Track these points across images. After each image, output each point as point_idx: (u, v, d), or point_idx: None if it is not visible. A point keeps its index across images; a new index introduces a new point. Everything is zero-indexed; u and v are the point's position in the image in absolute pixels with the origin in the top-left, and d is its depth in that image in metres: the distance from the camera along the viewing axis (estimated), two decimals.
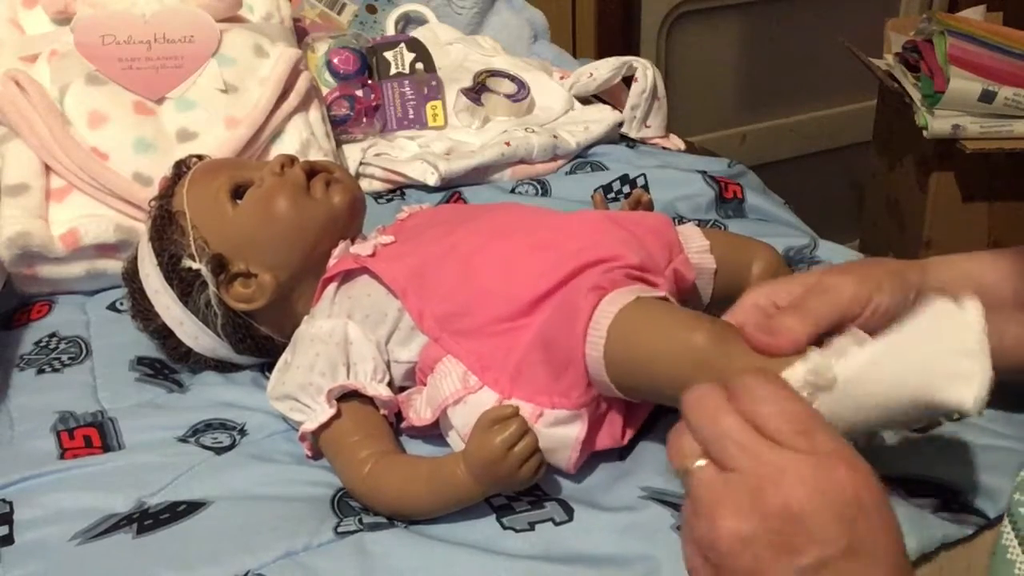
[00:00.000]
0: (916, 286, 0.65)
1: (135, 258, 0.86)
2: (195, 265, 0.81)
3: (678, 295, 0.77)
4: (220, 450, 0.78)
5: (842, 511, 0.47)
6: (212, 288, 0.81)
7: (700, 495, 0.50)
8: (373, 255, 0.79)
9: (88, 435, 0.80)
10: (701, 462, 0.51)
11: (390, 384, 0.77)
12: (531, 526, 0.67)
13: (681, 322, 0.64)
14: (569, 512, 0.68)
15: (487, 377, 0.71)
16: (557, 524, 0.67)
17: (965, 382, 0.53)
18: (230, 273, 0.81)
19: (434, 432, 0.74)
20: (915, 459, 0.69)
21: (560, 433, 0.68)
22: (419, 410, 0.74)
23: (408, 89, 1.28)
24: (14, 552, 0.68)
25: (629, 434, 0.72)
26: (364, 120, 1.24)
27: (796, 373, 0.57)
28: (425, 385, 0.75)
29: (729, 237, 0.91)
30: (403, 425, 0.76)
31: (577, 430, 0.69)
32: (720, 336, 0.62)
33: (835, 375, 0.56)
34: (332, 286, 0.79)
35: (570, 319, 0.67)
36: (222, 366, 0.87)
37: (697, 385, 0.53)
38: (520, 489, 0.69)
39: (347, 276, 0.79)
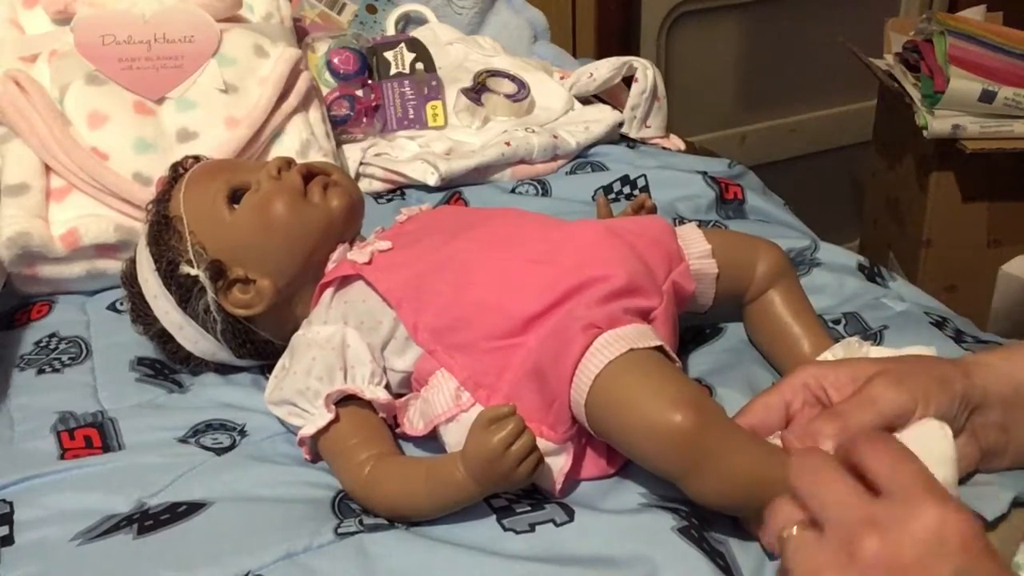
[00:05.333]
0: (960, 395, 0.65)
1: (133, 262, 0.86)
2: (193, 271, 0.80)
3: (677, 305, 0.77)
4: (220, 451, 0.77)
5: (952, 560, 0.47)
6: (211, 294, 0.81)
7: (797, 560, 0.50)
8: (370, 262, 0.78)
9: (88, 435, 0.79)
10: (794, 529, 0.52)
11: (387, 387, 0.77)
12: (531, 527, 0.67)
13: (667, 396, 0.63)
14: (570, 513, 0.68)
15: (480, 395, 0.71)
16: (558, 525, 0.67)
17: None
18: (228, 279, 0.80)
19: (431, 435, 0.74)
20: None
21: (545, 462, 0.68)
22: (412, 420, 0.74)
23: (408, 89, 1.28)
24: (14, 552, 0.68)
25: (619, 463, 0.71)
26: (364, 120, 1.24)
27: None
28: (420, 392, 0.74)
29: (732, 237, 0.91)
30: (397, 431, 0.76)
31: (562, 462, 0.69)
32: (704, 419, 0.62)
33: None
34: (329, 291, 0.79)
35: (561, 355, 0.67)
36: (223, 368, 0.87)
37: (808, 452, 0.56)
38: (518, 488, 0.69)
39: (344, 281, 0.79)
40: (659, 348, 0.68)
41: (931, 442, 0.61)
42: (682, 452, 0.61)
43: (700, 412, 0.62)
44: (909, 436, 0.61)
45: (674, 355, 0.69)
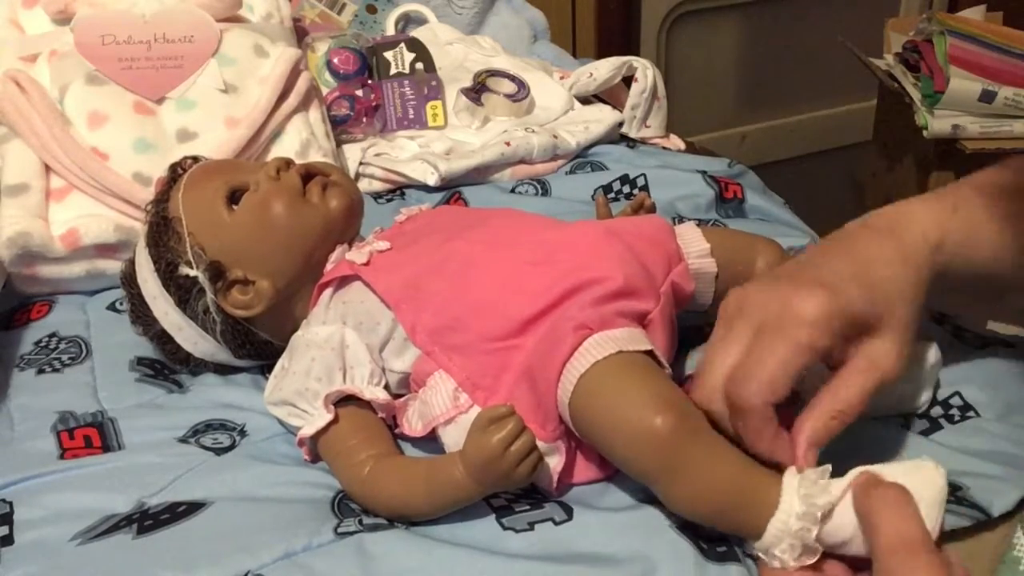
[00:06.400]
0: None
1: (132, 263, 0.86)
2: (192, 272, 0.80)
3: (676, 305, 0.77)
4: (220, 451, 0.77)
5: None
6: (210, 295, 0.81)
7: None
8: (368, 263, 0.78)
9: (88, 435, 0.79)
10: None
11: (386, 388, 0.77)
12: (531, 526, 0.67)
13: (649, 399, 0.62)
14: (568, 512, 0.68)
15: (477, 396, 0.70)
16: (557, 524, 0.67)
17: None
18: (228, 280, 0.80)
19: (430, 436, 0.74)
20: (915, 453, 0.69)
21: (544, 461, 0.68)
22: (411, 421, 0.74)
23: (408, 89, 1.28)
24: (14, 552, 0.68)
25: (612, 467, 0.71)
26: (364, 120, 1.24)
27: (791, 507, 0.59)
28: (418, 393, 0.74)
29: (731, 235, 0.91)
30: (396, 431, 0.76)
31: (555, 461, 0.69)
32: (685, 425, 0.61)
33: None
34: (327, 291, 0.79)
35: (550, 355, 0.67)
36: (222, 368, 0.87)
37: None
38: (518, 487, 0.69)
39: (342, 282, 0.79)
40: (649, 353, 0.67)
41: (924, 486, 0.60)
42: (659, 455, 0.61)
43: (681, 417, 0.61)
44: (900, 475, 0.60)
45: (664, 361, 0.69)
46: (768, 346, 0.61)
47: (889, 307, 0.63)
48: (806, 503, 0.59)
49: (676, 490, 0.62)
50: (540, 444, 0.67)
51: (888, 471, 0.60)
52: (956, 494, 0.67)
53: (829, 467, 0.61)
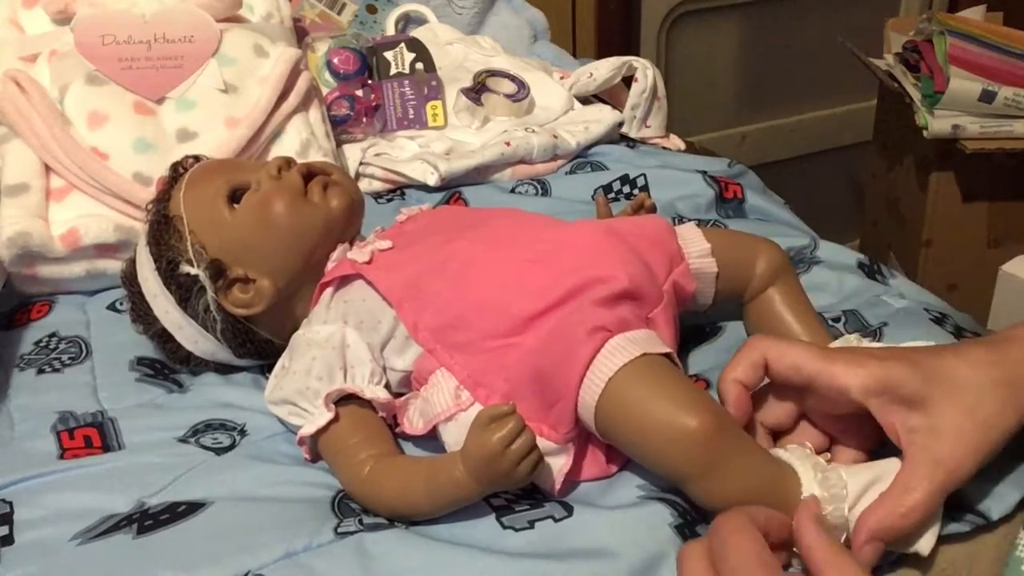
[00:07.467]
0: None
1: (133, 262, 0.86)
2: (193, 271, 0.80)
3: (677, 305, 0.77)
4: (220, 450, 0.77)
5: None
6: (210, 294, 0.81)
7: None
8: (370, 262, 0.78)
9: (88, 435, 0.79)
10: None
11: (387, 387, 0.77)
12: (531, 524, 0.67)
13: (682, 402, 0.64)
14: (568, 510, 0.68)
15: (479, 394, 0.71)
16: (557, 521, 0.67)
17: (926, 538, 0.62)
18: (228, 278, 0.80)
19: (431, 435, 0.74)
20: None
21: (545, 462, 0.68)
22: (412, 420, 0.74)
23: (408, 89, 1.28)
24: (14, 552, 0.68)
25: (619, 462, 0.71)
26: (364, 120, 1.24)
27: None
28: (419, 391, 0.74)
29: (732, 236, 0.91)
30: (396, 431, 0.76)
31: (562, 462, 0.69)
32: (718, 427, 0.63)
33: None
34: (329, 291, 0.79)
35: (568, 357, 0.67)
36: (223, 368, 0.87)
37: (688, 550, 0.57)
38: (518, 486, 0.69)
39: (343, 281, 0.79)
40: (667, 355, 0.68)
41: None
42: (698, 455, 0.62)
43: (714, 418, 0.63)
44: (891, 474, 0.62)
45: (679, 363, 0.70)
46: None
47: (944, 389, 0.62)
48: (825, 487, 0.61)
49: (714, 487, 0.63)
50: (549, 445, 0.68)
51: (880, 469, 0.62)
52: (955, 500, 0.66)
53: (829, 455, 0.64)
